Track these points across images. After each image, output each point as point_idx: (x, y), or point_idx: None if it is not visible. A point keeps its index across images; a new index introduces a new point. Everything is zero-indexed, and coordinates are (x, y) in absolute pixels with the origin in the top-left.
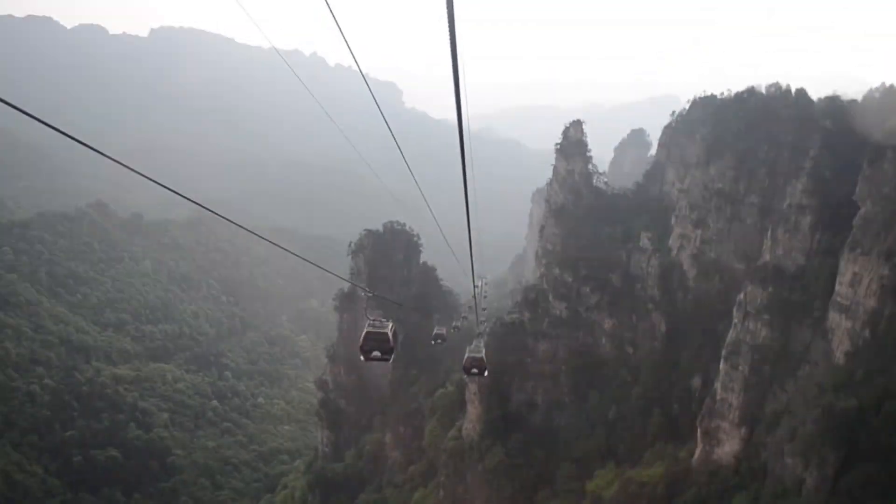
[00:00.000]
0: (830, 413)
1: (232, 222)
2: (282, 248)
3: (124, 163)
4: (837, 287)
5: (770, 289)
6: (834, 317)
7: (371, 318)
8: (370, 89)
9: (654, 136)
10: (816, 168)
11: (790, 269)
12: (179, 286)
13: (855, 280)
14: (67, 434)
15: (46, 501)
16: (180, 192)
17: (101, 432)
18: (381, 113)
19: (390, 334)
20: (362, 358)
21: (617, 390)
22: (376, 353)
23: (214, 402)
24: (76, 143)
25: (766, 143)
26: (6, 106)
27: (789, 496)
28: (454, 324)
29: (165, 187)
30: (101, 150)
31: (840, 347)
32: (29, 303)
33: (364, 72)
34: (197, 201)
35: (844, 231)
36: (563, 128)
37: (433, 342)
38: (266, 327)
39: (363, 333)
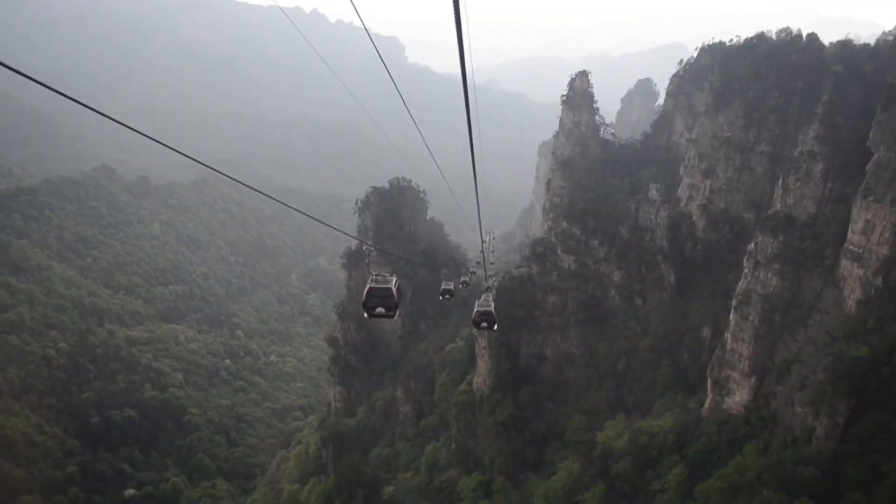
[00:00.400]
0: (841, 362)
1: (239, 182)
2: (288, 205)
3: (129, 125)
4: (850, 235)
5: (781, 238)
6: (846, 265)
7: (374, 274)
8: (374, 45)
9: (662, 85)
10: (828, 114)
11: (801, 218)
12: (188, 248)
13: (868, 227)
14: (84, 396)
15: (66, 461)
16: (187, 154)
17: (117, 393)
18: (387, 68)
19: (394, 290)
20: (366, 315)
21: (626, 342)
22: (380, 310)
23: (227, 362)
24: (81, 107)
25: (776, 90)
26: (11, 73)
27: (799, 445)
28: (462, 279)
29: (172, 149)
30: (106, 114)
31: (852, 296)
32: (40, 268)
33: (366, 27)
34: (205, 163)
35: (857, 178)
36: (568, 79)
37: (441, 298)
38: (276, 286)
39: (366, 289)
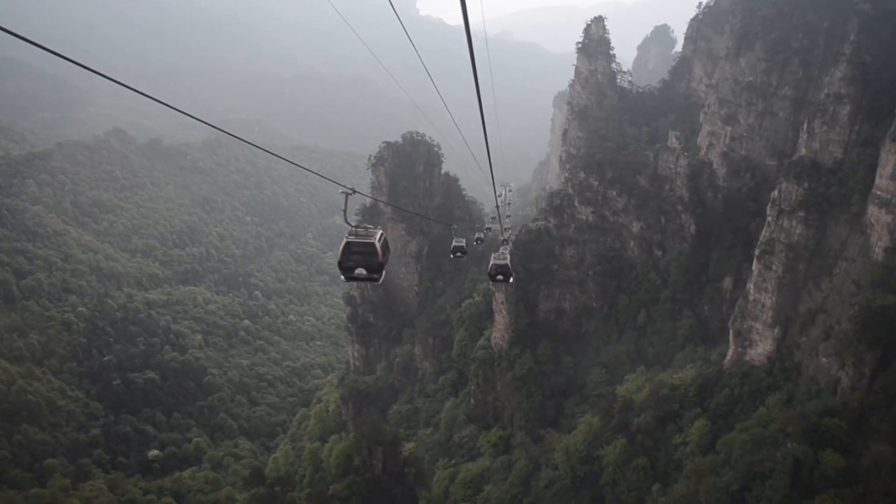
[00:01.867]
0: (868, 311)
1: (249, 143)
2: (297, 164)
3: (139, 89)
4: (877, 180)
5: (806, 184)
6: (873, 211)
7: (353, 225)
8: (391, 2)
9: (679, 32)
10: (856, 53)
11: (827, 163)
12: (203, 209)
13: None
14: (105, 359)
15: (90, 424)
16: (197, 116)
17: (138, 356)
18: (400, 21)
19: (378, 246)
20: (343, 278)
21: (645, 294)
22: (360, 271)
23: (246, 322)
24: (91, 72)
25: (800, 31)
26: (20, 40)
27: (824, 396)
28: (476, 235)
29: (182, 112)
30: (116, 80)
31: (879, 243)
32: (56, 233)
33: None
34: (215, 125)
35: (886, 120)
36: (583, 27)
37: (452, 255)
38: (292, 246)
39: (342, 245)
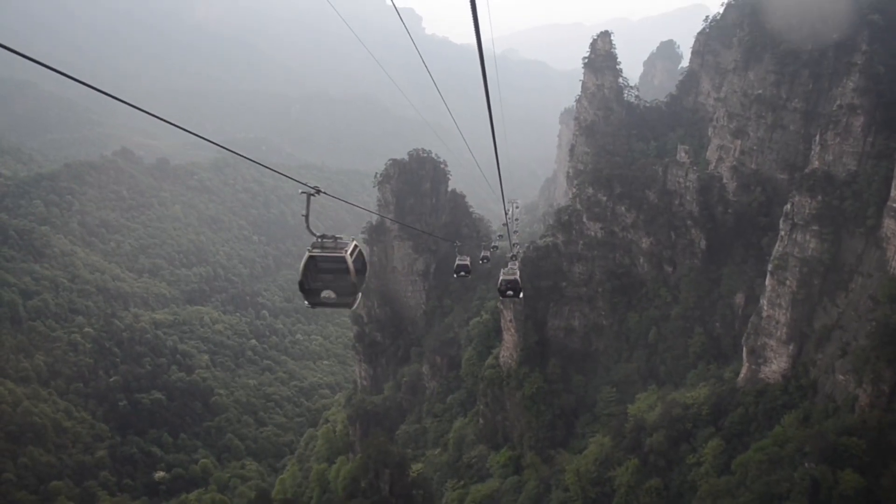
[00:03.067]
0: (886, 326)
1: (256, 162)
2: (300, 182)
3: (147, 109)
4: (893, 192)
5: (819, 197)
6: (889, 224)
7: (318, 236)
8: (400, 17)
9: (685, 48)
10: (869, 63)
11: (841, 176)
12: (210, 228)
13: None
14: (111, 380)
15: (96, 446)
16: (204, 136)
17: (144, 376)
18: (412, 39)
19: (349, 261)
20: (307, 303)
21: (656, 311)
22: (328, 294)
23: (253, 341)
24: (99, 93)
25: (809, 43)
26: (29, 61)
27: (841, 414)
28: (483, 254)
29: (189, 132)
30: (125, 100)
31: None
32: (63, 253)
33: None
34: (223, 145)
35: None
36: (589, 43)
37: (456, 275)
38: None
39: (303, 260)
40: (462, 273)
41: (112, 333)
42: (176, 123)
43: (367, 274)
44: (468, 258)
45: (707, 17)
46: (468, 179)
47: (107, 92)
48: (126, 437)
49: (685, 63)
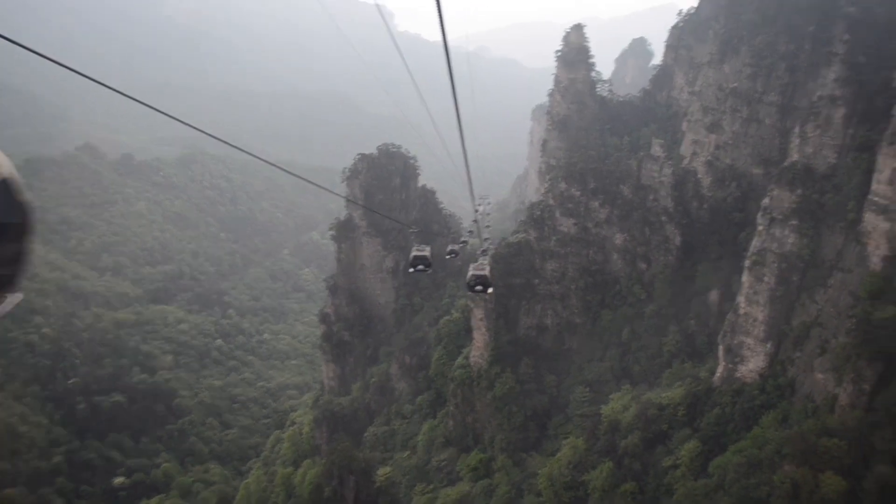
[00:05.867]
0: (866, 323)
1: (242, 150)
2: (289, 171)
3: (114, 104)
4: (874, 185)
5: (799, 191)
6: (870, 218)
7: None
8: (383, 18)
9: (655, 46)
10: (850, 53)
11: (821, 169)
12: (176, 225)
13: (894, 176)
14: (70, 382)
15: (52, 451)
16: (202, 129)
17: (105, 378)
18: (395, 42)
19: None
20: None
21: (630, 309)
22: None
23: (219, 341)
24: (63, 86)
25: (785, 35)
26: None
27: (821, 414)
28: (450, 248)
29: (184, 122)
30: (110, 85)
31: (877, 252)
32: None
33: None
34: (211, 133)
35: (881, 123)
36: (561, 40)
37: (412, 269)
38: (268, 262)
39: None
40: (420, 267)
41: (71, 334)
42: (174, 116)
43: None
44: (427, 249)
45: (681, 11)
46: (440, 176)
47: (97, 80)
48: (84, 442)
49: (657, 61)
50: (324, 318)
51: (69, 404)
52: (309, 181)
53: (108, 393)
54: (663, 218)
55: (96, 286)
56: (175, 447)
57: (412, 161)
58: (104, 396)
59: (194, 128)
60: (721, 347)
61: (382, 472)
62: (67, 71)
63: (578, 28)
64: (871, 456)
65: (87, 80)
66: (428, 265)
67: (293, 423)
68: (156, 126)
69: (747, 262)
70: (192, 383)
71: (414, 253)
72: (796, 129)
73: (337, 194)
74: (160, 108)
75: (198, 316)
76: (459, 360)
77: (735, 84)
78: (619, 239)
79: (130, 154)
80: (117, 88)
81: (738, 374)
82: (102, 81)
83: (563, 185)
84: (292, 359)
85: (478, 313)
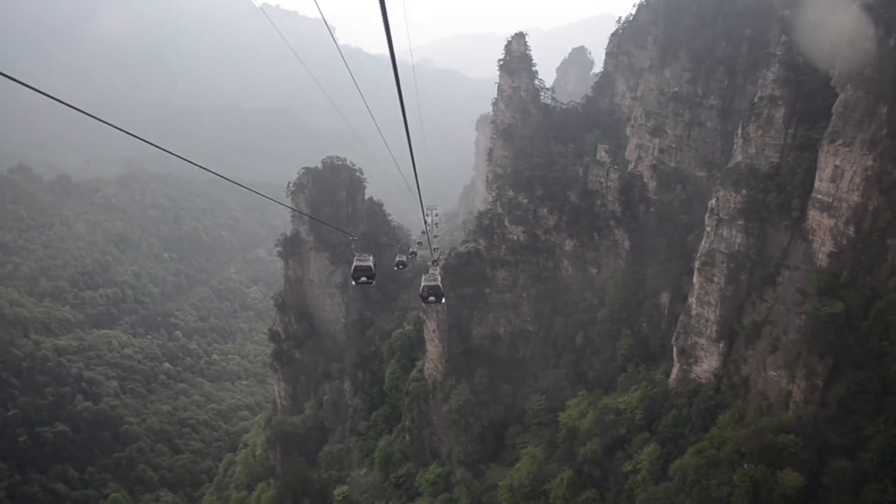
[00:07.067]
0: (815, 319)
1: (190, 162)
2: (246, 187)
3: (48, 122)
4: (817, 184)
5: (744, 191)
6: (814, 216)
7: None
8: (334, 40)
9: (595, 55)
10: (788, 54)
11: (764, 169)
12: (117, 247)
13: (836, 174)
14: (10, 413)
15: None
16: (160, 146)
17: (46, 408)
18: (342, 54)
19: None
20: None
21: (582, 314)
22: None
23: (166, 364)
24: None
25: (723, 39)
26: None
27: (776, 411)
28: (398, 258)
29: (144, 140)
30: (91, 113)
31: (822, 248)
32: None
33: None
34: (159, 145)
35: (821, 122)
36: (503, 46)
37: (354, 282)
38: (214, 282)
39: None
40: (363, 279)
41: (9, 363)
42: (139, 136)
43: None
44: (371, 258)
45: (620, 18)
46: (386, 189)
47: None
48: (27, 475)
49: (597, 69)
50: (273, 336)
51: (9, 436)
52: (258, 192)
53: (51, 423)
54: (611, 222)
55: (35, 312)
56: (123, 476)
57: (358, 173)
58: (46, 427)
59: (145, 140)
60: (675, 349)
61: (339, 491)
62: None
63: (520, 36)
64: (826, 450)
65: (17, 99)
66: (371, 276)
67: (246, 445)
68: (92, 146)
69: (697, 264)
70: (140, 409)
71: (356, 263)
72: (738, 131)
73: (286, 205)
74: (101, 124)
75: (143, 339)
76: (413, 373)
77: (676, 88)
78: (568, 245)
79: (67, 175)
80: (47, 106)
81: (692, 375)
82: (29, 100)
83: (510, 193)
84: (243, 379)
85: (430, 325)
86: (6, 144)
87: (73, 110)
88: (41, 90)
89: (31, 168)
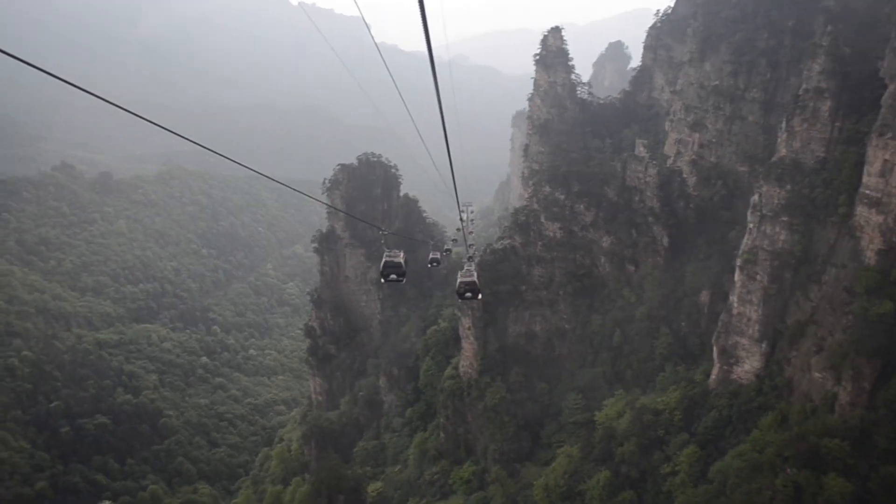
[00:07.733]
0: (863, 319)
1: (229, 159)
2: (274, 180)
3: (88, 121)
4: (865, 178)
5: (788, 186)
6: (862, 212)
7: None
8: (372, 37)
9: (632, 49)
10: (835, 45)
11: (809, 163)
12: (157, 243)
13: (886, 168)
14: (52, 405)
15: (35, 476)
16: (195, 141)
17: (88, 400)
18: (380, 51)
19: None
20: None
21: (620, 312)
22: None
23: (204, 359)
24: (40, 106)
25: (765, 31)
26: None
27: (820, 414)
28: (432, 255)
29: (181, 136)
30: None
31: (871, 246)
32: (0, 274)
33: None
34: (198, 142)
35: (869, 115)
36: (540, 41)
37: (383, 280)
38: (251, 277)
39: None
40: (392, 277)
41: (52, 356)
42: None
43: None
44: (401, 254)
45: (658, 11)
46: (421, 186)
47: (87, 89)
48: (69, 466)
49: (634, 63)
50: (309, 331)
51: (52, 428)
52: (295, 189)
53: (92, 415)
54: (650, 219)
55: (77, 307)
56: (162, 468)
57: (393, 170)
58: (88, 419)
59: (186, 138)
60: (715, 349)
61: (373, 487)
62: (44, 88)
63: (556, 30)
64: (874, 455)
65: (61, 100)
66: (402, 274)
67: (281, 440)
68: (132, 144)
69: (739, 261)
70: (178, 402)
71: (385, 259)
72: (783, 124)
73: (322, 202)
74: (141, 122)
75: (182, 334)
76: (448, 370)
77: (716, 82)
78: (605, 242)
79: (108, 173)
80: (87, 107)
81: (733, 376)
82: (69, 101)
83: (547, 189)
84: (279, 374)
85: (466, 322)
86: (50, 143)
87: (113, 109)
88: (88, 90)
89: (73, 166)
